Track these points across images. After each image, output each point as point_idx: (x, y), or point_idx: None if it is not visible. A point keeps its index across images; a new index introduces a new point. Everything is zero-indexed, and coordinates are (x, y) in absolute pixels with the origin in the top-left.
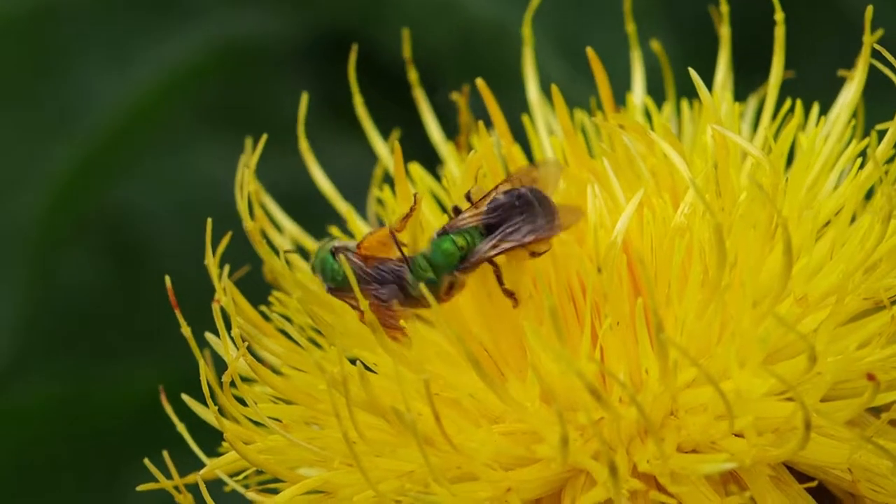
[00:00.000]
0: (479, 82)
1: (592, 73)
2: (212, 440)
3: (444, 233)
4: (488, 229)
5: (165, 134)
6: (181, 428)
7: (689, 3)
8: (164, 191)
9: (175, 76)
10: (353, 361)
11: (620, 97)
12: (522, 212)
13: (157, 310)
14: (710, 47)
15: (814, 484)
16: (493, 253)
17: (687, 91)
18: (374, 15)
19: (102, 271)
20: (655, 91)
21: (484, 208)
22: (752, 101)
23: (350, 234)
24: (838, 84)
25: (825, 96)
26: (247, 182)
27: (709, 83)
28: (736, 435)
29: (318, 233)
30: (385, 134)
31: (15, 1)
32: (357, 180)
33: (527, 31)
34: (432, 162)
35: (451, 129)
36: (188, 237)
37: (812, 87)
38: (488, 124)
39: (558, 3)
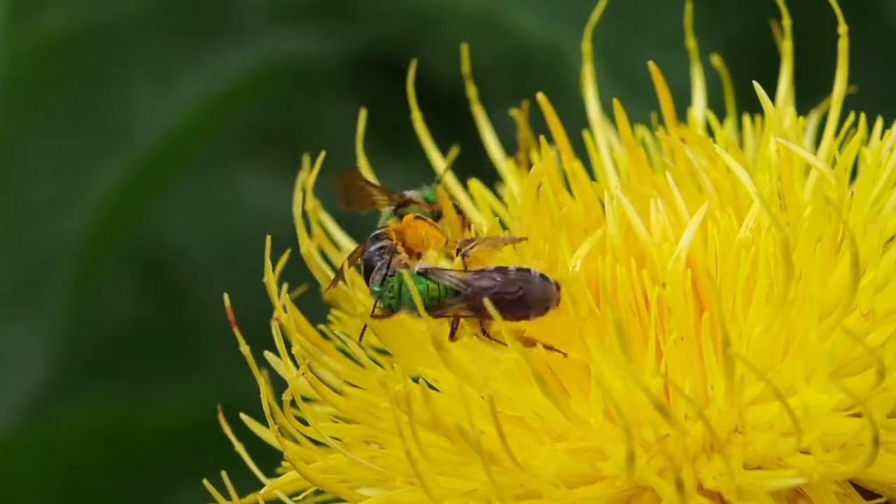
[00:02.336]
0: (541, 97)
1: (643, 91)
2: (259, 464)
3: (423, 273)
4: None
5: (209, 155)
6: (240, 448)
7: (739, 19)
8: (206, 213)
9: (220, 97)
10: (414, 379)
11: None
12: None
13: (200, 336)
14: (762, 63)
15: (882, 501)
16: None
17: (742, 107)
18: (419, 35)
19: (144, 295)
20: (710, 108)
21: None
22: (814, 116)
23: None
24: (879, 100)
25: (870, 111)
26: (307, 200)
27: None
28: (802, 451)
29: None
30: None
31: (62, 21)
32: None
33: (586, 47)
34: (484, 181)
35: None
36: (229, 259)
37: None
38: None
39: (606, 20)
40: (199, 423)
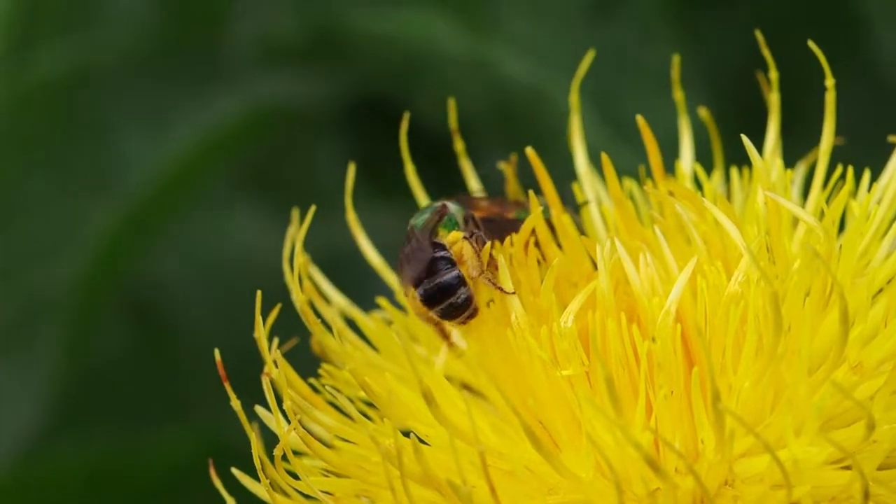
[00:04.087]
0: (529, 151)
1: (631, 136)
2: None
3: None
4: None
5: (201, 199)
6: (231, 502)
7: (724, 64)
8: (198, 257)
9: (211, 141)
10: (405, 434)
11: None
12: None
13: (190, 379)
14: (749, 108)
15: None
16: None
17: (728, 154)
18: (410, 80)
19: (135, 338)
20: (697, 159)
21: None
22: (801, 168)
23: (399, 307)
24: (868, 152)
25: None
26: (296, 255)
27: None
28: None
29: (352, 298)
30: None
31: (53, 66)
32: (391, 246)
33: (574, 98)
34: None
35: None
36: (221, 304)
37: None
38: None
39: (593, 64)
40: (189, 464)
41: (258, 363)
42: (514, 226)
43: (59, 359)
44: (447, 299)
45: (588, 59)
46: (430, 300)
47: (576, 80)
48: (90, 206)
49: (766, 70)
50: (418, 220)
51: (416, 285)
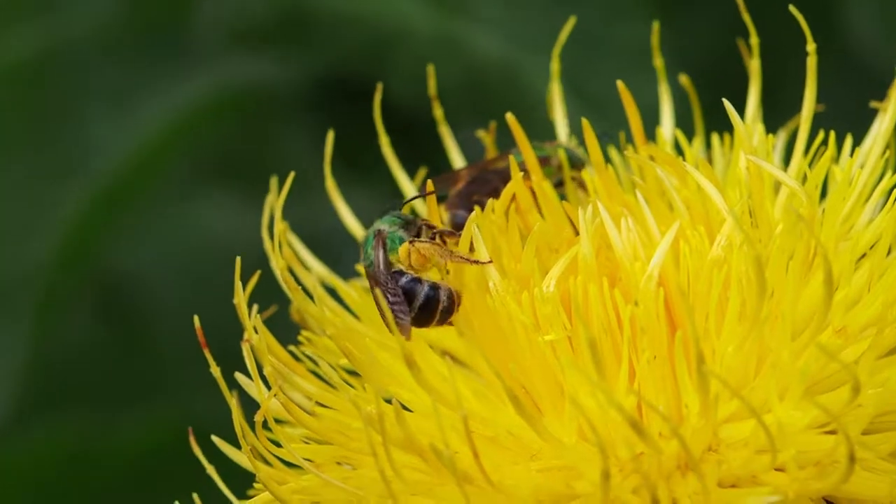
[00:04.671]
0: (510, 116)
1: (606, 112)
2: (219, 492)
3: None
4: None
5: (168, 181)
6: (212, 471)
7: (699, 36)
8: (166, 239)
9: (179, 123)
10: (387, 400)
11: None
12: None
13: (160, 362)
14: (724, 82)
15: None
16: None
17: (707, 127)
18: (380, 59)
19: (104, 321)
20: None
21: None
22: (782, 135)
23: None
24: (844, 124)
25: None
26: (276, 222)
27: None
28: (777, 469)
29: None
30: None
31: (17, 47)
32: (364, 225)
33: (555, 66)
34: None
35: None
36: (190, 286)
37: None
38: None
39: (567, 46)
40: (161, 446)
41: (228, 344)
42: (503, 175)
43: (29, 343)
44: (436, 310)
45: (566, 31)
46: (426, 322)
47: (555, 50)
48: (58, 190)
49: (738, 45)
50: (368, 260)
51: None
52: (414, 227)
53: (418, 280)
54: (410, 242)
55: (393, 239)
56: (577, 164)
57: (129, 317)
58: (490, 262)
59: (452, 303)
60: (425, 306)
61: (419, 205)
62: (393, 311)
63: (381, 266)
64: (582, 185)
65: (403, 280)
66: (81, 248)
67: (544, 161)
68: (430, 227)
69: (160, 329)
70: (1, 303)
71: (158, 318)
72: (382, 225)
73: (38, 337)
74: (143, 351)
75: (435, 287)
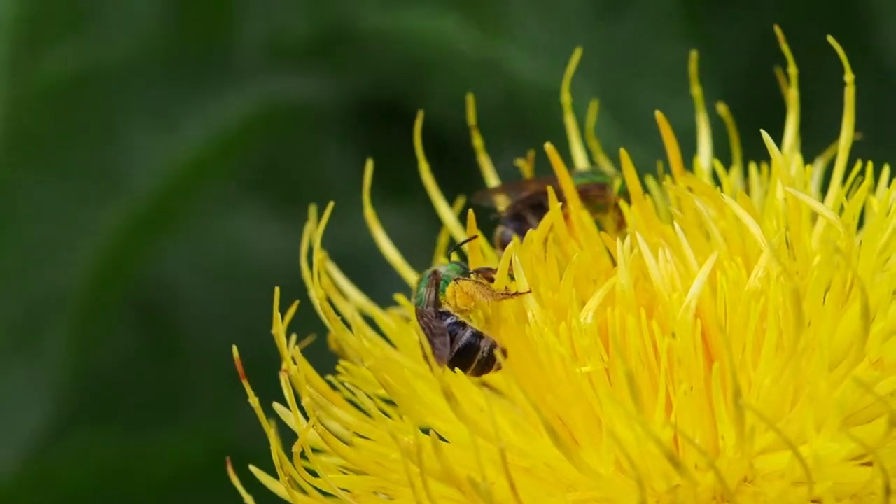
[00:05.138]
0: (549, 147)
1: (642, 138)
2: None
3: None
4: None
5: (209, 198)
6: (249, 500)
7: (735, 64)
8: (206, 258)
9: (220, 140)
10: (424, 431)
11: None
12: None
13: (197, 380)
14: (759, 109)
15: None
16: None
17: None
18: (420, 79)
19: (143, 338)
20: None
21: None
22: (819, 164)
23: None
24: (879, 151)
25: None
26: (315, 252)
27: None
28: (813, 501)
29: (365, 298)
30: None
31: (62, 65)
32: (401, 246)
33: (565, 98)
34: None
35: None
36: (230, 305)
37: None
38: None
39: (606, 67)
40: (197, 465)
41: (266, 364)
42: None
43: (68, 359)
44: (474, 358)
45: (588, 54)
46: (462, 367)
47: (566, 77)
48: (99, 207)
49: (775, 68)
50: (419, 298)
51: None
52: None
53: (462, 324)
54: (455, 281)
55: (446, 281)
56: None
57: (169, 333)
58: (529, 291)
59: (492, 356)
60: (464, 351)
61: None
62: (433, 343)
63: (430, 305)
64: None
65: (448, 321)
66: (122, 265)
67: (602, 188)
68: (479, 271)
69: (198, 345)
70: (42, 318)
71: (198, 335)
72: (441, 268)
73: (77, 353)
74: (181, 367)
75: (478, 335)
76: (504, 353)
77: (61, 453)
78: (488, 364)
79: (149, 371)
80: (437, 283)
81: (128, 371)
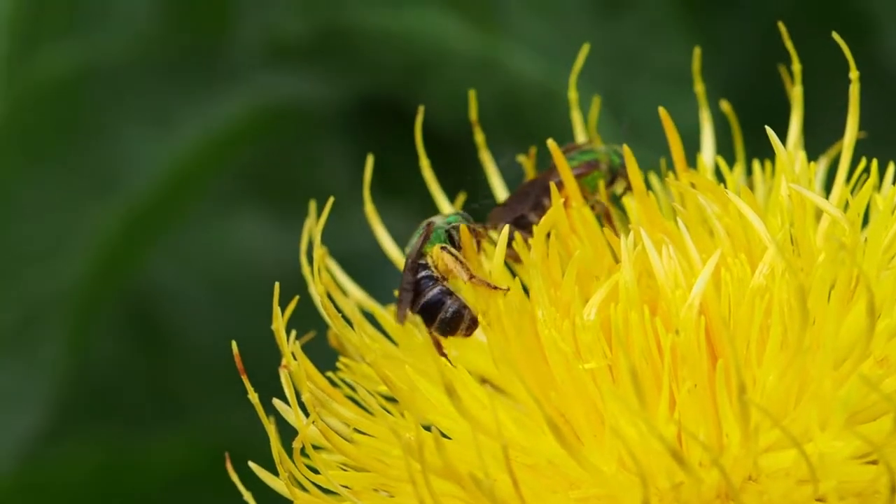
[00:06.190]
0: (551, 143)
1: (643, 137)
2: None
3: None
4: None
5: (205, 200)
6: (248, 497)
7: (736, 69)
8: (201, 259)
9: (215, 141)
10: (425, 427)
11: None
12: None
13: (192, 381)
14: (758, 113)
15: None
16: None
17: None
18: (417, 79)
19: (137, 339)
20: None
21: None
22: (823, 162)
23: None
24: (880, 149)
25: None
26: (315, 248)
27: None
28: (818, 499)
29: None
30: (429, 197)
31: (55, 64)
32: (399, 245)
33: (573, 95)
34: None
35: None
36: (225, 305)
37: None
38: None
39: (606, 67)
40: (191, 466)
41: (262, 365)
42: (545, 186)
43: (63, 360)
44: (437, 316)
45: (583, 51)
46: (426, 322)
47: (572, 75)
48: (94, 207)
49: (777, 67)
50: (410, 247)
51: (413, 309)
52: (458, 236)
53: (435, 279)
54: (443, 248)
55: (438, 235)
56: (621, 169)
57: (165, 334)
58: (508, 289)
59: (457, 319)
60: (428, 306)
61: None
62: (399, 298)
63: (413, 254)
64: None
65: (422, 273)
66: (117, 266)
67: (593, 165)
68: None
69: (193, 347)
70: (37, 319)
71: (194, 336)
72: (437, 219)
73: (73, 353)
74: (177, 368)
75: (446, 293)
76: (475, 321)
77: (57, 454)
78: (451, 326)
79: (144, 372)
80: (428, 234)
81: (123, 372)
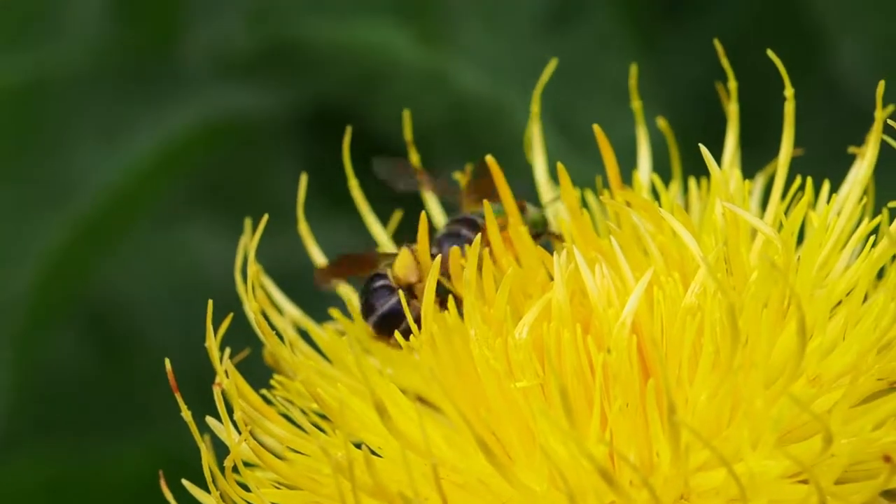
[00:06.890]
0: (489, 159)
1: (590, 146)
2: None
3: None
4: None
5: (155, 212)
6: None
7: (682, 78)
8: (152, 270)
9: (165, 154)
10: (357, 445)
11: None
12: None
13: (145, 391)
14: (706, 122)
15: None
16: None
17: (686, 168)
18: (366, 91)
19: (90, 350)
20: (654, 169)
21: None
22: (760, 179)
23: (350, 317)
24: (827, 165)
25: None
26: (249, 265)
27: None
28: None
29: (307, 312)
30: (379, 212)
31: (3, 75)
32: None
33: (535, 108)
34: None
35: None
36: (176, 317)
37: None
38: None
39: (553, 81)
40: (145, 477)
41: (213, 377)
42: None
43: (14, 370)
44: (375, 312)
45: (549, 68)
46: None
47: (537, 89)
48: (44, 218)
49: (725, 81)
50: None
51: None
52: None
53: (392, 290)
54: (409, 248)
55: None
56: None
57: (117, 344)
58: (445, 308)
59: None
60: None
61: None
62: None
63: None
64: (558, 237)
65: (379, 283)
66: (69, 276)
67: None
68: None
69: (146, 357)
70: None
71: (145, 346)
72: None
73: (24, 364)
74: (128, 378)
75: (389, 289)
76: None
77: (9, 465)
78: (385, 327)
79: (97, 382)
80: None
81: (76, 382)
